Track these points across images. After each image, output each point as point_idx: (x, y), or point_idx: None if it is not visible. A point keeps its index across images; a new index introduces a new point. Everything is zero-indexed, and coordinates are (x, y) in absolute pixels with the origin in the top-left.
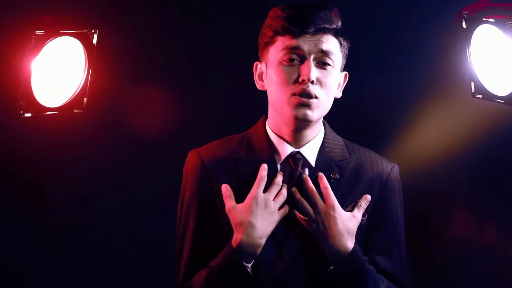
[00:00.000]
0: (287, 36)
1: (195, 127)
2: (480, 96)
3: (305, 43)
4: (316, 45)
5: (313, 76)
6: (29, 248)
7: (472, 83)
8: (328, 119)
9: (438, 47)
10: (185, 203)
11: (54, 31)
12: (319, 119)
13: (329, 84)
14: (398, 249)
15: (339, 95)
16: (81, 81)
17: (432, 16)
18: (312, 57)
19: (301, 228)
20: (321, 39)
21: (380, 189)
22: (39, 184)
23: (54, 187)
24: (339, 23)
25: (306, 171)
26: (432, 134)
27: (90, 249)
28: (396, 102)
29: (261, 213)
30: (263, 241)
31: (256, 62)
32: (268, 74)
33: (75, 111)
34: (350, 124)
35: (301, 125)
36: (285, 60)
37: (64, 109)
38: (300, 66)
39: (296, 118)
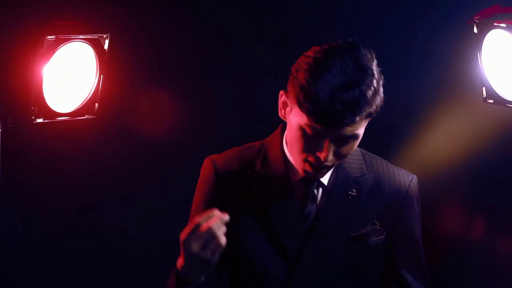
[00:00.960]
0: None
1: (206, 131)
2: (491, 101)
3: (328, 131)
4: (340, 132)
5: (329, 160)
6: (36, 252)
7: (484, 88)
8: None
9: (449, 52)
10: (193, 207)
11: (65, 37)
12: None
13: (347, 153)
14: (421, 264)
15: None
16: (93, 86)
17: (444, 21)
18: (332, 139)
19: (320, 245)
20: (347, 127)
21: (399, 204)
22: (50, 189)
23: (66, 192)
24: (374, 106)
25: (321, 189)
26: (444, 138)
27: (105, 254)
28: (408, 107)
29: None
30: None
31: (282, 91)
32: (290, 119)
33: (86, 116)
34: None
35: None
36: (306, 131)
37: (75, 115)
38: (320, 140)
39: (306, 175)
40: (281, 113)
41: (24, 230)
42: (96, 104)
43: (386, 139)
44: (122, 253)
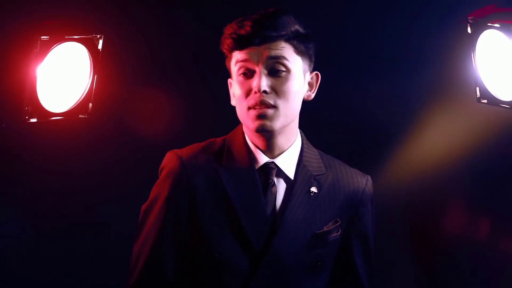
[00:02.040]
0: (236, 51)
1: (200, 131)
2: (485, 101)
3: (253, 54)
4: (263, 53)
5: (263, 86)
6: (32, 253)
7: (477, 88)
8: (335, 123)
9: (443, 52)
10: (156, 205)
11: (59, 37)
12: (283, 127)
13: (286, 91)
14: (370, 260)
15: (310, 97)
16: (86, 86)
17: (438, 21)
18: (262, 66)
19: (286, 240)
20: (270, 47)
21: (356, 202)
22: (44, 189)
23: (59, 192)
24: (291, 28)
25: (282, 183)
26: (437, 139)
27: (95, 254)
28: (402, 107)
29: None
30: None
31: (229, 80)
32: (233, 91)
33: (80, 116)
34: (357, 128)
35: (266, 136)
36: (239, 75)
37: (69, 115)
38: (252, 78)
39: (257, 131)
40: (232, 102)
41: (17, 230)
42: (90, 104)
43: (380, 139)
44: (117, 252)
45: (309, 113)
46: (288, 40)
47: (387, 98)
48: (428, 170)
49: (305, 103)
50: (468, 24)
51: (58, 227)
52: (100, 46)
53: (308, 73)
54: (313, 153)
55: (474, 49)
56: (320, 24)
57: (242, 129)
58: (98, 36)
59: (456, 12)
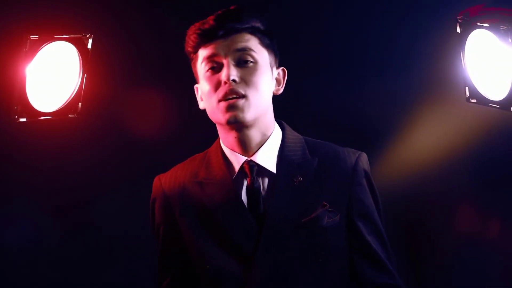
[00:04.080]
0: (202, 47)
1: (190, 129)
2: (474, 100)
3: (219, 47)
4: (230, 46)
5: (232, 75)
6: (24, 252)
7: (467, 88)
8: (324, 122)
9: (432, 52)
10: (155, 227)
11: (48, 36)
12: (255, 118)
13: (255, 81)
14: (382, 238)
15: (279, 91)
16: (76, 86)
17: (427, 21)
18: (229, 58)
19: (273, 236)
20: (235, 39)
21: (348, 183)
22: (34, 189)
23: (49, 192)
24: (255, 22)
25: (265, 179)
26: (427, 138)
27: (86, 253)
28: (391, 106)
29: None
30: None
31: (195, 85)
32: (201, 89)
33: (69, 116)
34: (346, 127)
35: (238, 128)
36: (207, 71)
37: (58, 114)
38: (220, 72)
39: (229, 122)
40: (200, 105)
41: (6, 228)
42: (80, 104)
43: (369, 139)
44: (109, 250)
45: (298, 112)
46: (253, 32)
47: (376, 98)
48: (417, 170)
49: (300, 102)
50: (457, 24)
51: (48, 226)
52: (89, 46)
53: (274, 68)
54: (296, 141)
55: (463, 49)
56: (310, 24)
57: (218, 140)
58: (88, 35)
59: (445, 12)
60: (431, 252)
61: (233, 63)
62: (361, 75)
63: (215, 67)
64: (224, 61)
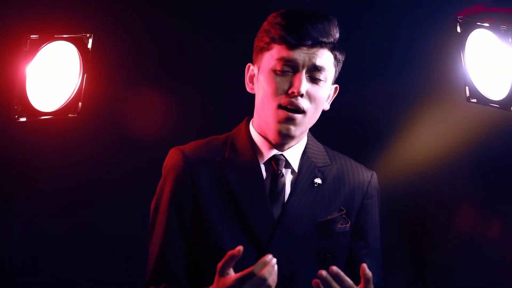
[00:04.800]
0: (283, 46)
1: (190, 128)
2: (474, 100)
3: (300, 56)
4: (310, 59)
5: (303, 90)
6: (24, 251)
7: (467, 88)
8: (324, 123)
9: (433, 51)
10: (162, 200)
11: (49, 36)
12: (302, 134)
13: (319, 99)
14: (379, 254)
15: (327, 107)
16: (76, 85)
17: (427, 21)
18: (305, 70)
19: (289, 231)
20: (317, 53)
21: (362, 196)
22: (34, 188)
23: (49, 191)
24: (337, 36)
25: (289, 175)
26: (427, 137)
27: (87, 252)
28: (392, 106)
29: None
30: None
31: (249, 64)
32: (260, 79)
33: (70, 115)
34: (347, 127)
35: (283, 139)
36: (278, 70)
37: (59, 114)
38: (292, 78)
39: (280, 133)
40: (248, 87)
41: (6, 228)
42: (80, 103)
43: (370, 138)
44: (110, 249)
45: None
46: (332, 50)
47: (376, 98)
48: (417, 169)
49: None
50: (458, 24)
51: (48, 225)
52: (89, 45)
53: (331, 85)
54: (318, 147)
55: (463, 49)
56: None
57: (245, 124)
58: (88, 35)
59: (445, 12)
60: (431, 252)
61: (306, 75)
62: (361, 76)
63: (288, 71)
64: (300, 72)
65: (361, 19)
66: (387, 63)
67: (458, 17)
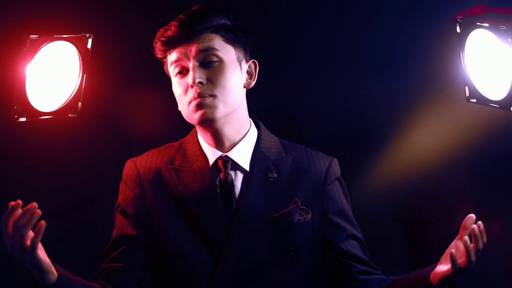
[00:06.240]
0: (169, 52)
1: (190, 128)
2: (474, 100)
3: (184, 52)
4: (192, 49)
5: (197, 78)
6: None
7: (466, 88)
8: (324, 121)
9: (432, 51)
10: (117, 209)
11: (48, 36)
12: (225, 115)
13: (222, 80)
14: (358, 234)
15: (251, 84)
16: (76, 85)
17: (427, 20)
18: (194, 61)
19: (244, 229)
20: (197, 41)
21: (322, 184)
22: (33, 188)
23: (49, 192)
24: (218, 20)
25: (239, 174)
26: (427, 137)
27: (85, 253)
28: (391, 106)
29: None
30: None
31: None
32: (175, 95)
33: (69, 115)
34: (346, 127)
35: (211, 126)
36: (175, 75)
37: (58, 114)
38: (187, 72)
39: (200, 122)
40: (179, 107)
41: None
42: (79, 103)
43: (369, 139)
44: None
45: (298, 112)
46: (215, 31)
47: (376, 97)
48: (417, 169)
49: (300, 102)
50: (457, 24)
51: (48, 225)
52: (89, 45)
53: (244, 62)
54: (272, 140)
55: (463, 49)
56: (308, 23)
57: (196, 130)
58: (88, 35)
59: (445, 11)
60: (431, 252)
61: (197, 64)
62: (361, 75)
63: (182, 72)
64: (190, 64)
65: (361, 19)
66: (386, 63)
67: (458, 17)
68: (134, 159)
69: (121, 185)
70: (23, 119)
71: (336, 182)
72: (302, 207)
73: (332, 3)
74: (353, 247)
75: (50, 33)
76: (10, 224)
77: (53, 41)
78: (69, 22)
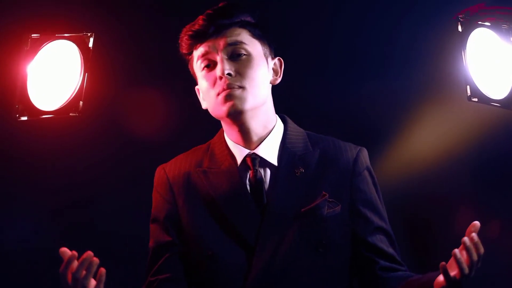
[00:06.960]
0: (195, 48)
1: (191, 129)
2: (475, 99)
3: (211, 45)
4: (221, 43)
5: (227, 69)
6: (24, 251)
7: (468, 87)
8: (325, 121)
9: (434, 50)
10: (151, 216)
11: (50, 35)
12: (253, 108)
13: (250, 73)
14: (386, 226)
15: (277, 81)
16: (77, 84)
17: (428, 20)
18: (222, 54)
19: (274, 226)
20: (225, 35)
21: (350, 176)
22: (34, 187)
23: (50, 191)
24: (245, 16)
25: (268, 171)
26: (428, 137)
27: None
28: (393, 105)
29: None
30: None
31: (196, 87)
32: (201, 90)
33: (71, 114)
34: (347, 126)
35: (239, 119)
36: (202, 69)
37: (60, 113)
38: (215, 66)
39: (229, 114)
40: (203, 106)
41: (6, 227)
42: (81, 102)
43: (371, 136)
44: (109, 249)
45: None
46: (243, 26)
47: (376, 97)
48: (418, 169)
49: (300, 101)
50: (459, 23)
51: (48, 225)
52: (91, 44)
53: (270, 59)
54: (298, 134)
55: (464, 48)
56: (310, 23)
57: (222, 131)
58: (89, 34)
59: (446, 10)
60: (430, 252)
61: (226, 57)
62: (361, 75)
63: (210, 65)
64: (218, 57)
65: (361, 19)
66: (387, 62)
67: (459, 16)
68: (163, 165)
69: (153, 193)
70: (24, 118)
71: (365, 172)
72: (330, 200)
73: (332, 3)
74: (379, 241)
75: (52, 32)
76: (69, 276)
77: (54, 40)
78: (71, 21)
